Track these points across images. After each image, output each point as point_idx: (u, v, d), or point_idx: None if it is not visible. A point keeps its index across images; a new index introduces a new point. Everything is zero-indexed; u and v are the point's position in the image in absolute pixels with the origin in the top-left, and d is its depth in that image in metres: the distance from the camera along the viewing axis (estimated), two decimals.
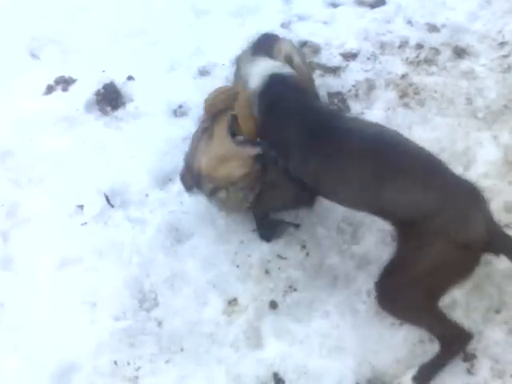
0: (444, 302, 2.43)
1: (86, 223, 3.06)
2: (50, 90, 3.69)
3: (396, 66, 3.77)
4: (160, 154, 3.31)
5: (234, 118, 2.75)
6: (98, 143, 3.39)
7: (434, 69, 3.74)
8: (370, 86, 3.66)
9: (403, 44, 3.91)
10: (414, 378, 2.44)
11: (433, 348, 2.48)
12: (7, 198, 3.14)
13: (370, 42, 3.93)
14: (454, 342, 2.44)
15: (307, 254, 2.92)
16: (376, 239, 2.92)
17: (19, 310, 2.76)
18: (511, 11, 4.00)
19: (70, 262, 2.91)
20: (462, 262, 2.27)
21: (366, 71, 3.75)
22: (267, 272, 2.87)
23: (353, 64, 3.81)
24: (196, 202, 3.02)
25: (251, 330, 2.69)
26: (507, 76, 3.66)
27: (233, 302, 2.78)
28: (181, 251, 2.96)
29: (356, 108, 3.54)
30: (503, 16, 3.98)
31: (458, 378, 2.49)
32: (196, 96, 3.56)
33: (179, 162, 3.18)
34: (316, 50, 3.91)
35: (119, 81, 3.69)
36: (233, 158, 2.73)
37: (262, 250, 2.93)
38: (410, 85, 3.64)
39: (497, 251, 2.33)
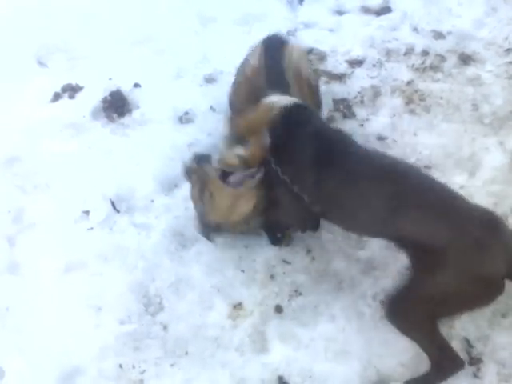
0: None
1: (91, 228, 3.07)
2: (57, 97, 3.71)
3: (402, 72, 3.78)
4: (166, 160, 3.32)
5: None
6: (104, 149, 3.41)
7: (439, 75, 3.75)
8: (376, 93, 3.67)
9: (409, 51, 3.92)
10: None
11: None
12: (14, 204, 3.15)
13: (375, 49, 3.94)
14: (446, 368, 2.42)
15: (312, 258, 2.92)
16: (381, 244, 2.90)
17: (25, 313, 2.76)
18: None
19: (75, 267, 2.92)
20: (476, 293, 2.24)
21: (371, 78, 3.76)
22: (272, 276, 2.87)
23: (358, 71, 3.82)
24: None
25: (256, 334, 2.69)
26: None
27: (238, 306, 2.78)
28: (186, 256, 2.96)
29: (362, 114, 3.54)
30: (509, 23, 3.98)
31: (464, 381, 2.49)
32: (202, 103, 3.61)
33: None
34: (322, 57, 3.92)
35: (126, 88, 3.71)
36: (238, 200, 2.76)
37: (266, 254, 2.94)
38: (416, 91, 3.65)
39: None
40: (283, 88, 2.94)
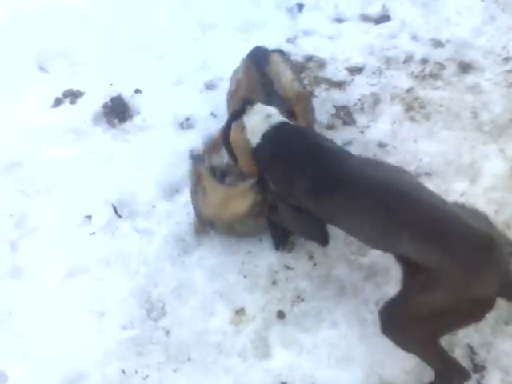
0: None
1: (93, 233, 3.08)
2: (58, 102, 3.73)
3: (401, 80, 3.80)
4: (167, 165, 3.33)
5: (213, 168, 2.91)
6: (105, 155, 3.42)
7: (439, 83, 3.77)
8: (376, 100, 3.69)
9: (408, 59, 3.95)
10: None
11: None
12: (16, 209, 3.16)
13: (375, 56, 3.97)
14: (451, 379, 2.40)
15: (315, 264, 2.93)
16: None
17: (27, 318, 2.76)
18: None
19: (77, 272, 2.92)
20: (466, 311, 2.22)
21: (371, 85, 3.79)
22: (274, 282, 2.87)
23: (358, 78, 3.84)
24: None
25: (259, 340, 2.69)
26: None
27: (240, 311, 2.78)
28: (188, 262, 2.97)
29: (362, 121, 3.56)
30: (507, 32, 4.01)
31: None
32: (202, 109, 3.62)
33: (186, 174, 3.23)
34: (321, 64, 3.95)
35: (127, 94, 3.73)
36: (232, 198, 2.82)
37: (269, 260, 2.94)
38: (416, 99, 3.67)
39: (508, 299, 2.30)
40: (274, 98, 3.00)
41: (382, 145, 3.41)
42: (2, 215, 3.14)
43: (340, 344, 2.66)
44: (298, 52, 4.01)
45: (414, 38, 4.07)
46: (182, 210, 3.15)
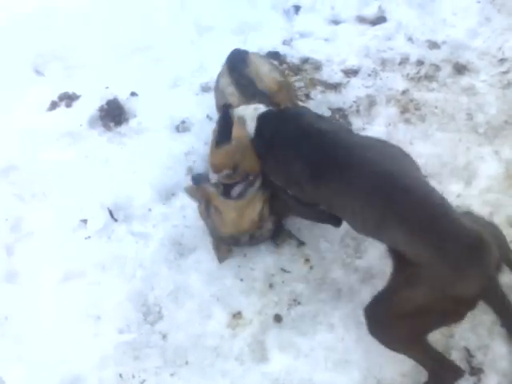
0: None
1: (89, 237, 3.07)
2: (53, 105, 3.72)
3: (397, 82, 3.79)
4: (163, 168, 3.33)
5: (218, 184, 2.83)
6: (101, 158, 3.41)
7: (434, 85, 3.77)
8: (371, 102, 3.69)
9: (404, 60, 3.94)
10: None
11: None
12: (11, 213, 3.15)
13: (370, 58, 3.96)
14: (444, 377, 2.41)
15: (311, 267, 2.93)
16: (379, 253, 2.91)
17: (23, 322, 2.77)
18: (511, 28, 4.03)
19: (73, 276, 2.92)
20: (448, 310, 2.23)
21: (366, 87, 3.78)
22: (271, 285, 2.88)
23: (354, 80, 3.83)
24: (199, 217, 3.02)
25: (256, 344, 2.69)
26: (507, 92, 3.67)
27: (237, 315, 2.79)
28: (184, 265, 2.97)
29: (357, 123, 3.56)
30: (503, 33, 4.01)
31: None
32: (198, 112, 3.61)
33: (182, 177, 3.25)
34: (317, 66, 3.94)
35: (122, 97, 3.71)
36: (245, 208, 2.81)
37: (265, 263, 2.94)
38: (411, 100, 3.67)
39: (490, 304, 2.30)
40: (259, 98, 3.01)
41: None
42: None
43: (337, 347, 2.66)
44: (294, 54, 4.00)
45: (410, 39, 4.06)
46: (178, 213, 3.15)
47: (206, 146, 3.38)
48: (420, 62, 3.91)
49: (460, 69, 3.84)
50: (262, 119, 2.73)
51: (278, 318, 2.77)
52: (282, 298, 2.83)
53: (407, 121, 3.56)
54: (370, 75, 3.86)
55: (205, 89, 3.79)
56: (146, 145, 3.49)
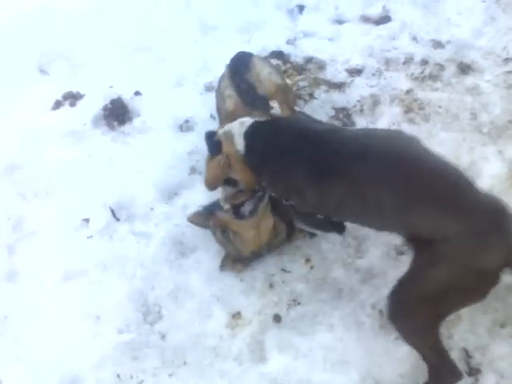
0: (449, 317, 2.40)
1: (91, 236, 3.08)
2: (58, 105, 3.73)
3: (401, 81, 3.77)
4: (166, 168, 3.34)
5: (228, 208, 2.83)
6: (104, 157, 3.42)
7: (438, 84, 3.75)
8: (375, 102, 3.67)
9: (408, 60, 3.92)
10: None
11: None
12: (13, 212, 3.17)
13: (374, 58, 3.94)
14: (444, 378, 2.40)
15: (311, 267, 2.93)
16: (381, 253, 2.92)
17: (23, 322, 2.78)
18: None
19: (74, 275, 2.93)
20: (475, 286, 2.20)
21: (370, 87, 3.77)
22: (271, 285, 2.87)
23: (358, 80, 3.82)
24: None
25: (255, 344, 2.69)
26: None
27: (236, 315, 2.79)
28: (185, 265, 2.97)
29: (361, 123, 3.54)
30: (507, 32, 3.98)
31: None
32: (202, 111, 3.61)
33: (185, 176, 3.25)
34: (321, 66, 3.93)
35: (126, 96, 3.72)
36: (260, 224, 2.82)
37: (265, 263, 2.94)
38: (415, 100, 3.65)
39: None
40: (259, 103, 3.01)
41: None
42: None
43: (336, 347, 2.66)
44: (297, 53, 3.99)
45: (414, 39, 4.04)
46: (180, 212, 3.14)
47: None
48: (424, 62, 3.89)
49: (464, 68, 3.82)
50: (249, 134, 2.68)
51: (277, 318, 2.76)
52: (282, 297, 2.82)
53: (411, 120, 3.55)
54: (374, 75, 3.85)
55: (208, 88, 3.79)
56: (149, 144, 3.49)
